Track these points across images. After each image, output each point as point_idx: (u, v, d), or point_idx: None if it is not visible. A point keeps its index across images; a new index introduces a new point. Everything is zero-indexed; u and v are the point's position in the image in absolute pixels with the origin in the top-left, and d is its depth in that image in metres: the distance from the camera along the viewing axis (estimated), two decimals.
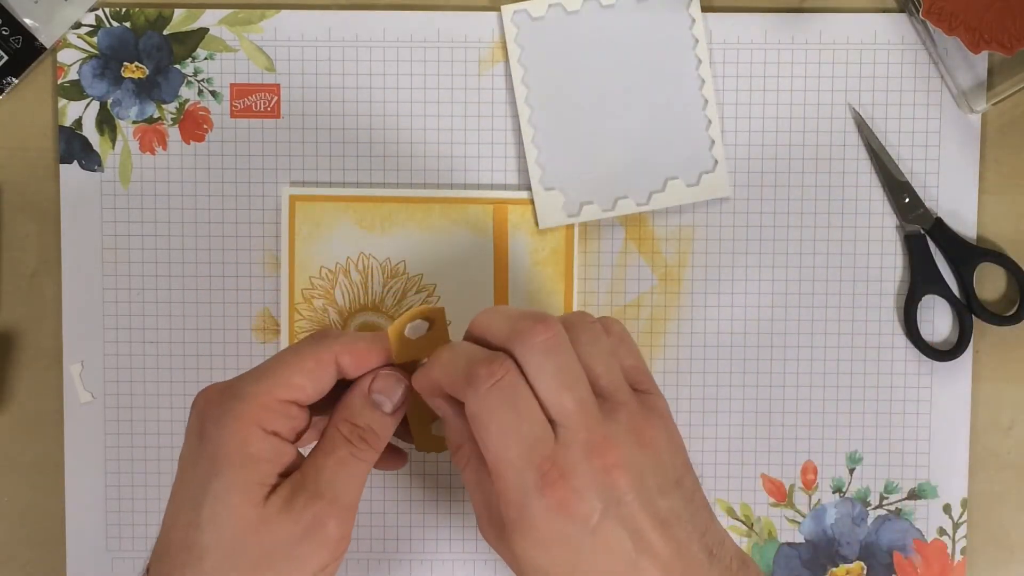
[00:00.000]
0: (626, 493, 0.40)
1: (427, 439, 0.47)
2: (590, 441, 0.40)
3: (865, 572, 0.54)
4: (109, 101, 0.53)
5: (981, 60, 0.52)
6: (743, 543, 0.54)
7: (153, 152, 0.53)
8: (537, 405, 0.41)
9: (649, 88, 0.52)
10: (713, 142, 0.52)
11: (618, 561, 0.40)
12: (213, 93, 0.53)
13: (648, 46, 0.52)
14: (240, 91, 0.53)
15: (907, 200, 0.53)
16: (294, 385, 0.42)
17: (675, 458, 0.42)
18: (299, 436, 0.44)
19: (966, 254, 0.53)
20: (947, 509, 0.54)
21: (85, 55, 0.53)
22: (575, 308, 0.53)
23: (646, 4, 0.52)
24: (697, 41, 0.52)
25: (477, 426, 0.40)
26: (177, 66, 0.53)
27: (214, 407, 0.42)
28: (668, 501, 0.41)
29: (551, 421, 0.40)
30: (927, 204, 0.53)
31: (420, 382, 0.44)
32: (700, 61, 0.52)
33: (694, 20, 0.52)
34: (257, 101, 0.53)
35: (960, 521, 0.54)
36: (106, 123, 0.53)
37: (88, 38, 0.53)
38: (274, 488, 0.41)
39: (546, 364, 0.41)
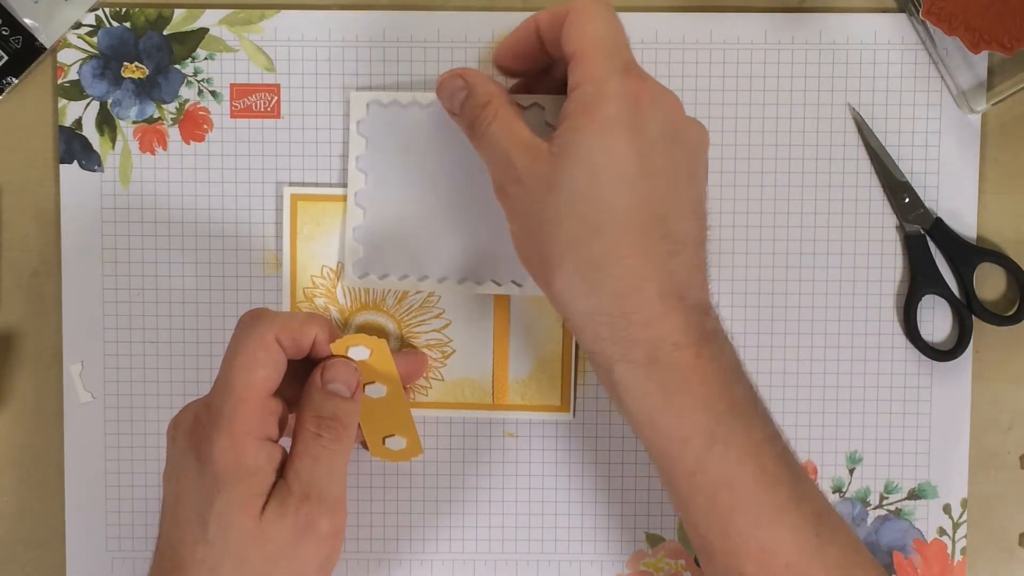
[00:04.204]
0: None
1: (381, 449, 0.51)
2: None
3: None
4: (109, 101, 0.53)
5: (981, 60, 0.52)
6: None
7: (153, 152, 0.53)
8: None
9: (478, 192, 0.51)
10: None
11: (663, 179, 0.43)
12: (213, 93, 0.53)
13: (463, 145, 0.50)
14: (240, 91, 0.53)
15: (907, 200, 0.53)
16: (260, 379, 0.44)
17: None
18: (283, 429, 0.45)
19: (966, 254, 0.53)
20: (947, 509, 0.54)
21: (85, 55, 0.53)
22: None
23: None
24: None
25: (579, 17, 0.44)
26: (177, 66, 0.53)
27: (201, 428, 0.44)
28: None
29: None
30: (927, 204, 0.53)
31: None
32: None
33: None
34: (257, 101, 0.53)
35: (960, 521, 0.54)
36: (106, 123, 0.53)
37: (88, 38, 0.53)
38: (269, 496, 0.43)
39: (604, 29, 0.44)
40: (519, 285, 0.51)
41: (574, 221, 0.42)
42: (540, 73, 0.50)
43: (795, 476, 0.43)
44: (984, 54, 0.51)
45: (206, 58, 0.53)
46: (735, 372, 0.44)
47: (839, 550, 0.43)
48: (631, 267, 0.42)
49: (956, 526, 0.54)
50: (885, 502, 0.54)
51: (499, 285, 0.51)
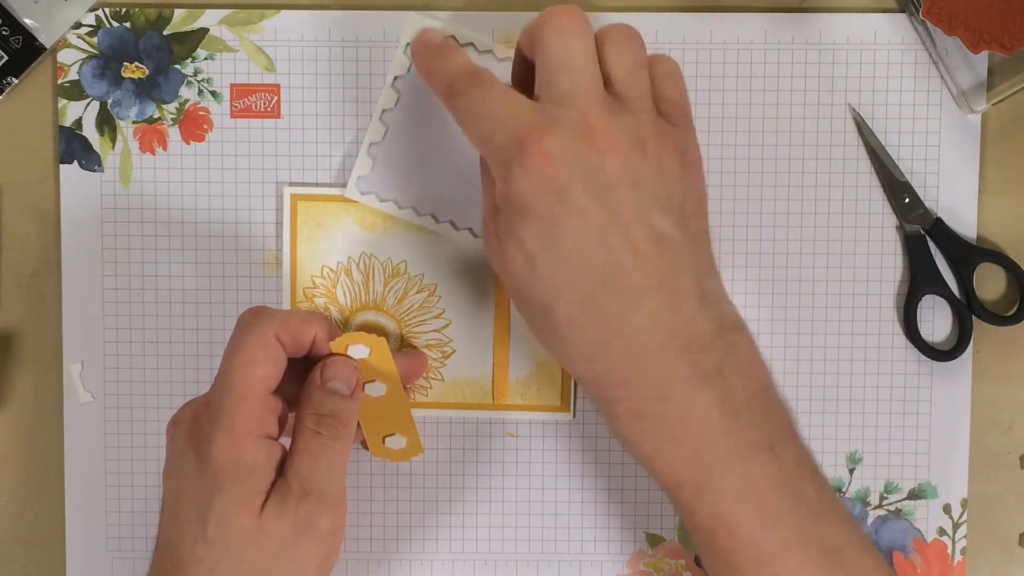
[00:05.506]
0: (617, 184, 0.39)
1: (381, 449, 0.50)
2: (582, 122, 0.39)
3: None
4: (109, 101, 0.53)
5: (981, 60, 0.52)
6: None
7: (153, 152, 0.53)
8: (518, 94, 0.41)
9: None
10: None
11: (595, 238, 0.38)
12: (213, 93, 0.53)
13: None
14: (240, 91, 0.53)
15: (907, 200, 0.53)
16: (259, 377, 0.44)
17: (684, 187, 0.41)
18: (283, 427, 0.45)
19: (966, 254, 0.53)
20: (947, 509, 0.54)
21: (85, 55, 0.53)
22: None
23: None
24: None
25: (462, 126, 0.41)
26: (177, 66, 0.53)
27: (201, 426, 0.44)
28: (666, 221, 0.39)
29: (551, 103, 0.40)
30: (927, 204, 0.53)
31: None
32: None
33: None
34: (257, 101, 0.53)
35: (960, 521, 0.54)
36: (106, 123, 0.53)
37: (88, 38, 0.53)
38: (269, 495, 0.43)
39: (552, 45, 0.40)
40: None
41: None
42: None
43: (808, 512, 0.41)
44: (984, 54, 0.51)
45: (206, 58, 0.53)
46: (738, 406, 0.42)
47: None
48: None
49: (956, 526, 0.54)
50: (885, 502, 0.54)
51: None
